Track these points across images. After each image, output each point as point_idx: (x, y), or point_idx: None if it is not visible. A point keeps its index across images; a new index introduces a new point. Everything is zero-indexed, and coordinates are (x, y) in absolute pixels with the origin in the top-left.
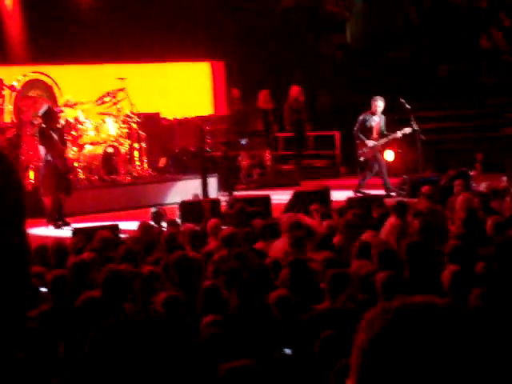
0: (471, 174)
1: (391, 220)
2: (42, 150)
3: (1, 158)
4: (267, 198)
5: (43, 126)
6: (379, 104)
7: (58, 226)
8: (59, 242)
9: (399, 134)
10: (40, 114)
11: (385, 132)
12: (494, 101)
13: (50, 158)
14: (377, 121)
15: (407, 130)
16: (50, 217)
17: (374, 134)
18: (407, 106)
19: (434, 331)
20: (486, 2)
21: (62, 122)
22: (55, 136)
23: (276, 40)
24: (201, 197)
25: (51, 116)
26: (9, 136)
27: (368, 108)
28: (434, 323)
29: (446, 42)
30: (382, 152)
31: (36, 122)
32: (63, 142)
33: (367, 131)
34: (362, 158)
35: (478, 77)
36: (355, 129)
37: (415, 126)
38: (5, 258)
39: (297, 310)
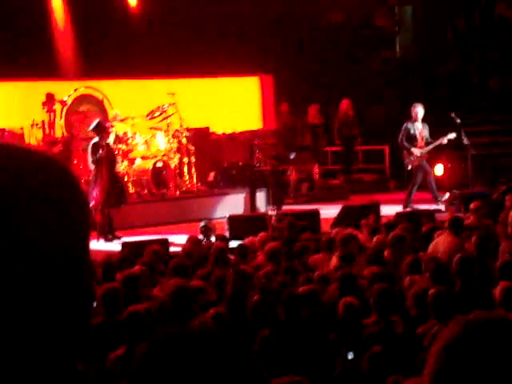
0: None
1: (446, 236)
2: (91, 164)
3: (66, 171)
4: (316, 213)
5: (96, 140)
6: (419, 110)
7: (108, 240)
8: (109, 256)
9: (445, 140)
10: (91, 128)
11: (429, 139)
12: None
13: (99, 172)
14: (420, 128)
15: (452, 136)
16: (101, 231)
17: (419, 142)
18: (457, 120)
19: (505, 343)
20: None
21: (113, 136)
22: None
23: (325, 54)
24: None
25: (103, 130)
26: (58, 150)
27: (409, 117)
28: (506, 335)
29: (496, 55)
30: (428, 161)
31: (87, 137)
32: (113, 157)
33: (412, 139)
34: (409, 167)
35: None
36: (399, 138)
37: (466, 141)
38: (73, 273)
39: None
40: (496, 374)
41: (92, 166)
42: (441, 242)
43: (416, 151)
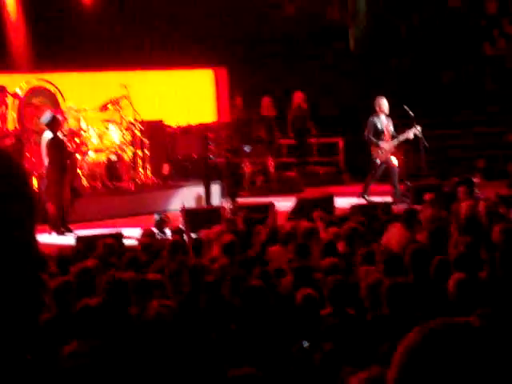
0: (475, 180)
1: (397, 228)
2: (46, 158)
3: (12, 163)
4: (270, 205)
5: (50, 134)
6: (384, 103)
7: (61, 233)
8: (62, 249)
9: (411, 134)
10: (45, 122)
11: (394, 133)
12: (496, 108)
13: (54, 165)
14: (385, 122)
15: (418, 130)
16: (54, 224)
17: (386, 136)
18: (410, 112)
19: (467, 349)
20: (490, 8)
21: (65, 129)
22: (59, 144)
23: (278, 47)
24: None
25: (57, 124)
26: (10, 143)
27: (372, 111)
28: (466, 343)
29: (449, 49)
30: (394, 154)
31: (39, 130)
32: (66, 150)
33: (378, 133)
34: (378, 161)
35: (481, 84)
36: (366, 133)
37: (419, 133)
38: (18, 261)
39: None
40: (456, 381)
41: (46, 160)
42: (393, 234)
43: (385, 145)
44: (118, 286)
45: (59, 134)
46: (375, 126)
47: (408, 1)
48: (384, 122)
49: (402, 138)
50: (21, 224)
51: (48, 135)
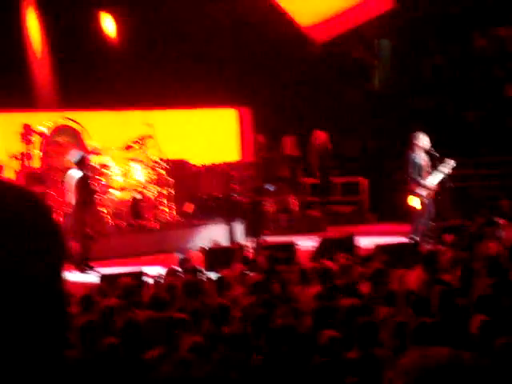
0: (500, 221)
1: (418, 270)
2: (71, 195)
3: (38, 202)
4: (292, 245)
5: (79, 173)
6: (424, 138)
7: (83, 271)
8: (86, 287)
9: (447, 169)
10: (74, 160)
11: (429, 169)
12: None
13: (80, 204)
14: (425, 158)
15: (452, 163)
16: (77, 261)
17: (427, 173)
18: (435, 153)
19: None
20: None
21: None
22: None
23: (302, 87)
24: (221, 243)
25: (85, 163)
26: (35, 182)
27: (409, 147)
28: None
29: (473, 89)
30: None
31: (64, 168)
32: (92, 189)
33: (420, 171)
34: (426, 201)
35: (504, 124)
36: (408, 171)
37: (446, 174)
38: (47, 304)
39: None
40: None
41: (73, 198)
42: (413, 276)
43: (429, 183)
44: (132, 327)
45: (86, 173)
46: (415, 162)
47: (432, 41)
48: (424, 157)
49: (441, 174)
50: (49, 264)
51: (76, 173)
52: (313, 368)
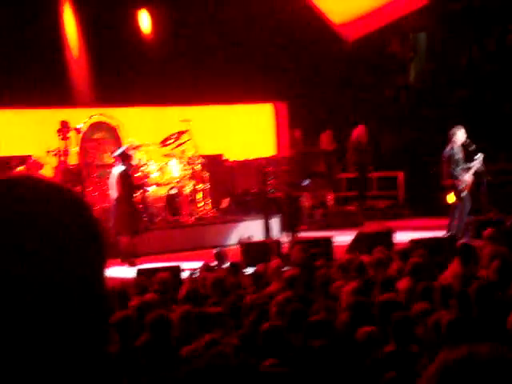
0: None
1: (455, 264)
2: (115, 190)
3: (78, 200)
4: (329, 240)
5: (121, 167)
6: (462, 133)
7: (133, 265)
8: (123, 283)
9: (479, 163)
10: (116, 155)
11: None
12: None
13: (122, 198)
14: (461, 153)
15: (481, 157)
16: (126, 256)
17: (462, 168)
18: (473, 146)
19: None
20: None
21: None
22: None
23: (339, 81)
24: (254, 239)
25: (128, 158)
26: (72, 178)
27: (439, 143)
28: (496, 377)
29: (510, 82)
30: None
31: (101, 164)
32: (134, 183)
33: (458, 165)
34: (463, 195)
35: None
36: (450, 166)
37: (481, 167)
38: (90, 305)
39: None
40: None
41: (115, 193)
42: (450, 270)
43: (467, 177)
44: (162, 324)
45: (128, 168)
46: (455, 158)
47: (469, 33)
48: (461, 153)
49: (474, 168)
50: (92, 264)
51: (118, 169)
52: (350, 364)
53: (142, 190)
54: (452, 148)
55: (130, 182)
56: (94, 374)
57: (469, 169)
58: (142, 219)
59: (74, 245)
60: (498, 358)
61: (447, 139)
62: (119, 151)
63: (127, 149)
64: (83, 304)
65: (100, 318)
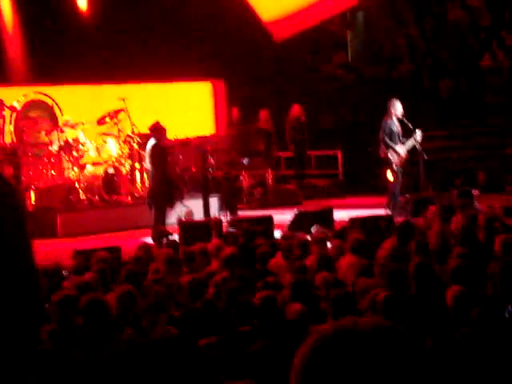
0: (474, 193)
1: (391, 241)
2: (149, 164)
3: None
4: (269, 218)
5: (154, 142)
6: (399, 105)
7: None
8: (56, 264)
9: (418, 139)
10: (149, 128)
11: (401, 138)
12: (495, 120)
13: (156, 171)
14: (399, 125)
15: (419, 134)
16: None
17: (399, 140)
18: (409, 124)
19: (355, 355)
20: (488, 20)
21: (62, 142)
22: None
23: (277, 59)
24: (195, 215)
25: (160, 129)
26: (7, 157)
27: (385, 113)
28: (356, 347)
29: (448, 61)
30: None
31: (36, 143)
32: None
33: (393, 137)
34: (396, 168)
35: (480, 96)
36: (381, 135)
37: (417, 146)
38: (12, 277)
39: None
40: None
41: (149, 166)
42: (386, 248)
43: (401, 150)
44: (98, 306)
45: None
46: (391, 129)
47: (406, 12)
48: (398, 125)
49: (411, 143)
50: (13, 236)
51: (151, 142)
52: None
53: (76, 170)
54: (389, 119)
55: (163, 155)
56: (23, 350)
57: (404, 143)
58: (178, 190)
59: None
60: (378, 328)
61: (385, 110)
62: (151, 125)
63: (158, 123)
64: (7, 276)
65: (27, 291)
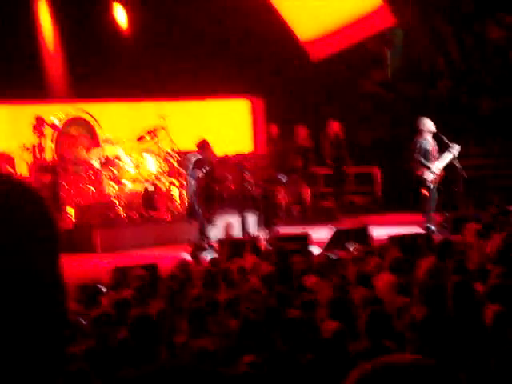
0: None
1: (430, 260)
2: (192, 178)
3: (32, 195)
4: (306, 236)
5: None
6: (429, 122)
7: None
8: (93, 280)
9: (453, 153)
10: (197, 144)
11: (438, 154)
12: None
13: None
14: (432, 143)
15: (456, 148)
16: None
17: (434, 158)
18: (444, 138)
19: None
20: None
21: (102, 159)
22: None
23: (315, 76)
24: (235, 230)
25: (206, 146)
26: (48, 175)
27: (416, 132)
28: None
29: (487, 79)
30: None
31: (76, 159)
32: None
33: (427, 155)
34: (431, 186)
35: None
36: (415, 154)
37: (457, 164)
38: (39, 295)
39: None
40: None
41: (193, 181)
42: (424, 267)
43: (435, 168)
44: (143, 321)
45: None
46: (424, 147)
47: (446, 30)
48: (431, 142)
49: (447, 159)
50: (43, 254)
51: (195, 156)
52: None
53: (116, 186)
54: (420, 138)
55: (208, 171)
56: (47, 368)
57: (442, 160)
58: (216, 206)
59: (24, 235)
60: (415, 366)
61: (415, 129)
62: (200, 141)
63: (205, 140)
64: (35, 293)
65: (53, 307)
